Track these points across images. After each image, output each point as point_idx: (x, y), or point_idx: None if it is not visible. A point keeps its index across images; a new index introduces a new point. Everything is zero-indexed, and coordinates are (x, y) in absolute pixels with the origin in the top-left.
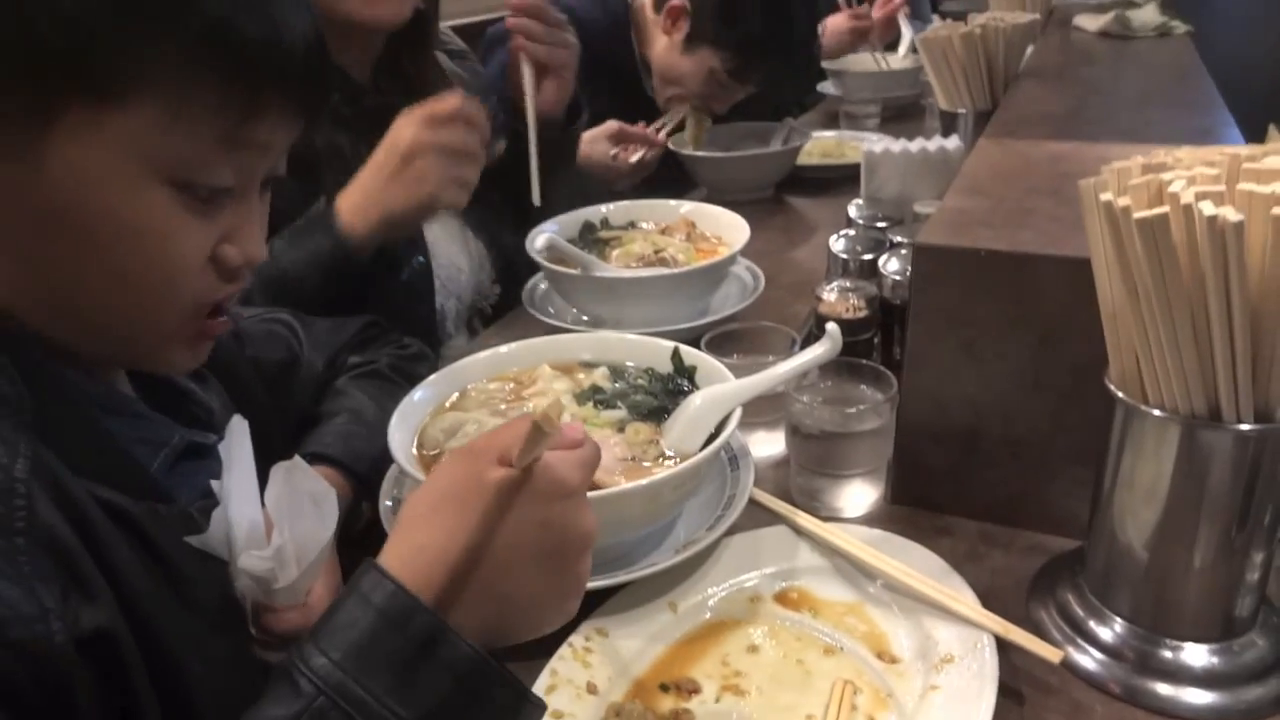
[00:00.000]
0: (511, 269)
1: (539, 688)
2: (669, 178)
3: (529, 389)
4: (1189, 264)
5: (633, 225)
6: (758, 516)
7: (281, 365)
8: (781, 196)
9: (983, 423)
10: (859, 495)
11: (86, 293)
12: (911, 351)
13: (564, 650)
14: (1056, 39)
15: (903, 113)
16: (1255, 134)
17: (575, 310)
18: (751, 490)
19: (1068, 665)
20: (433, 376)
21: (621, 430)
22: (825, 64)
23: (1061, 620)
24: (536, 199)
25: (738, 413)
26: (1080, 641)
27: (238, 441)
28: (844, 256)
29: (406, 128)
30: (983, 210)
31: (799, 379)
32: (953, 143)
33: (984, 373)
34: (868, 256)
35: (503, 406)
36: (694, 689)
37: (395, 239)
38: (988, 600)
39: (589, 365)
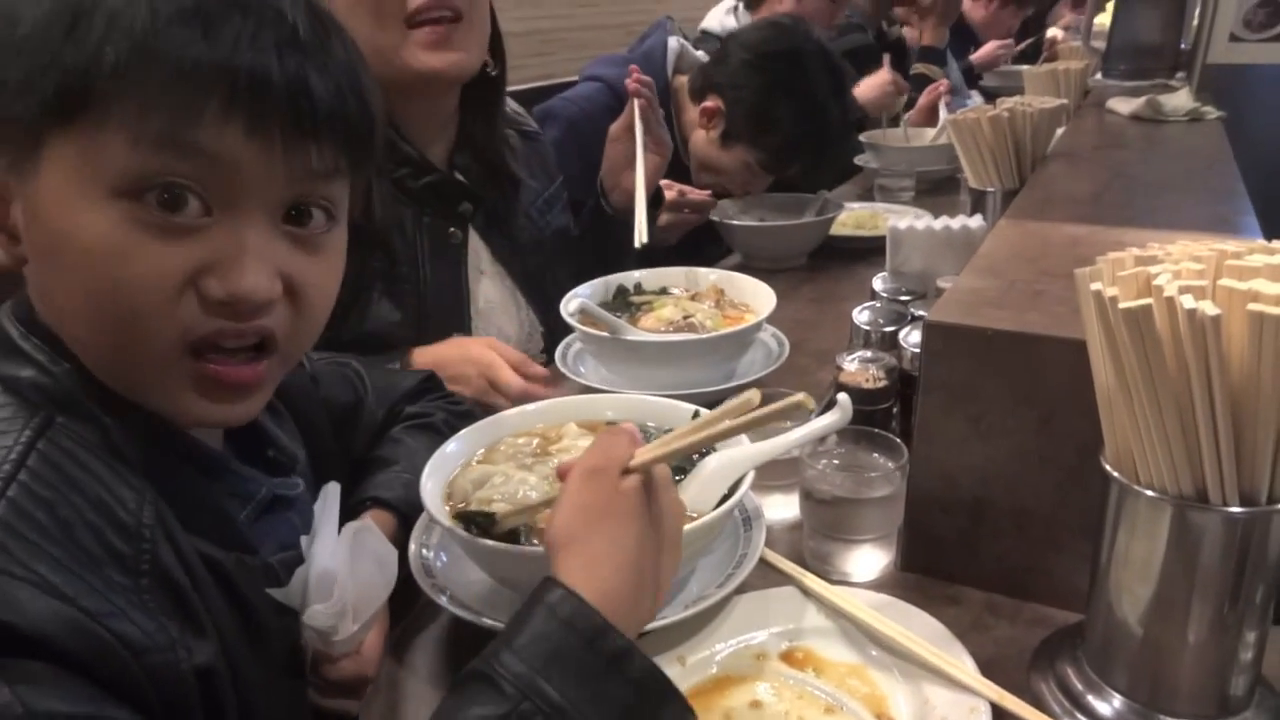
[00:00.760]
0: (559, 337)
1: None
2: (708, 239)
3: (555, 444)
4: (1173, 353)
5: (664, 291)
6: (768, 576)
7: (347, 408)
8: (814, 264)
9: (990, 495)
10: (869, 560)
11: (79, 321)
12: (921, 423)
13: None
14: (1090, 121)
15: (937, 187)
16: (1277, 221)
17: (605, 371)
18: (763, 551)
19: None
20: (464, 430)
21: None
22: (863, 137)
23: (1060, 693)
24: (641, 238)
25: (751, 475)
26: (1078, 715)
27: (330, 505)
28: (866, 328)
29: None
30: (994, 290)
31: (814, 445)
32: (976, 221)
33: (991, 447)
34: (889, 328)
35: (529, 460)
36: None
37: None
38: (990, 670)
39: (613, 424)
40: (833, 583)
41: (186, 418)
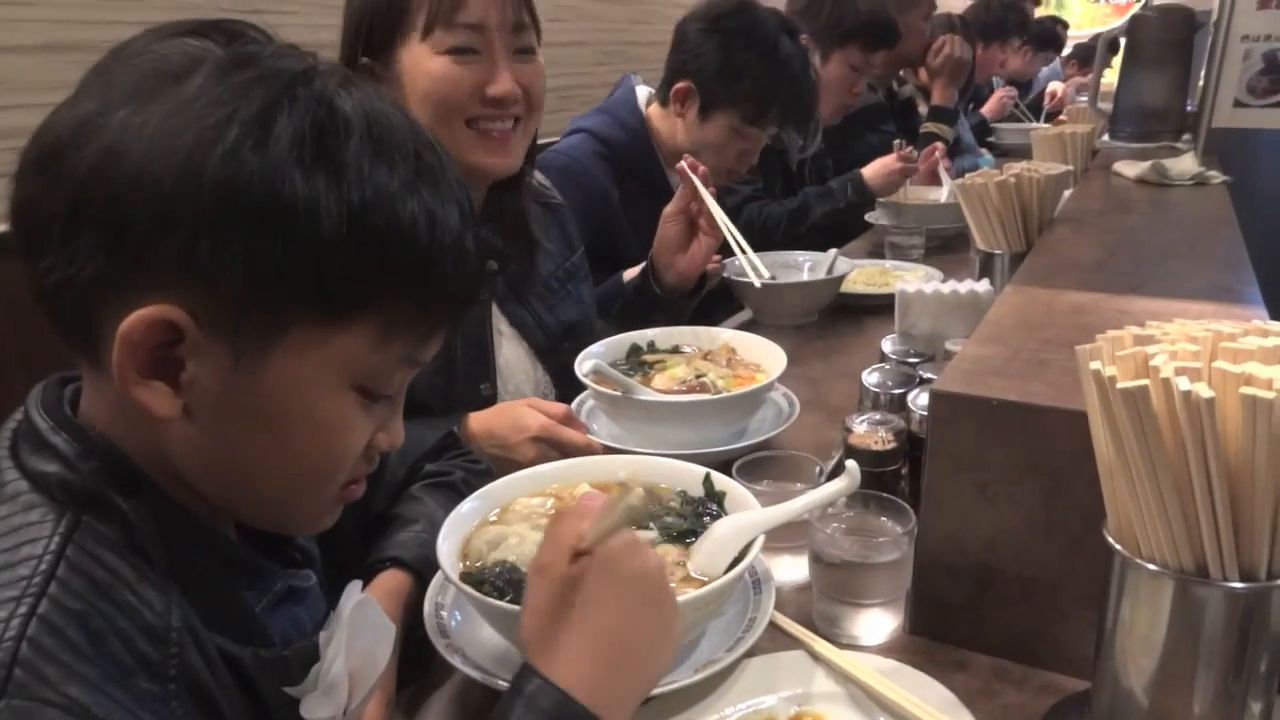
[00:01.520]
0: (572, 395)
1: None
2: (718, 300)
3: (568, 505)
4: (1170, 432)
5: (677, 350)
6: (777, 640)
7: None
8: (824, 321)
9: (997, 561)
10: (878, 624)
11: (266, 475)
12: (928, 490)
13: None
14: (1096, 184)
15: (947, 244)
16: None
17: (617, 429)
18: (772, 614)
19: None
20: (479, 490)
21: None
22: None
23: None
24: (760, 275)
25: (760, 540)
26: None
27: (348, 605)
28: (875, 390)
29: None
30: (999, 359)
31: (823, 509)
32: (983, 286)
33: (997, 514)
34: (898, 390)
35: (542, 521)
36: None
37: None
38: None
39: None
40: (841, 646)
41: (310, 531)
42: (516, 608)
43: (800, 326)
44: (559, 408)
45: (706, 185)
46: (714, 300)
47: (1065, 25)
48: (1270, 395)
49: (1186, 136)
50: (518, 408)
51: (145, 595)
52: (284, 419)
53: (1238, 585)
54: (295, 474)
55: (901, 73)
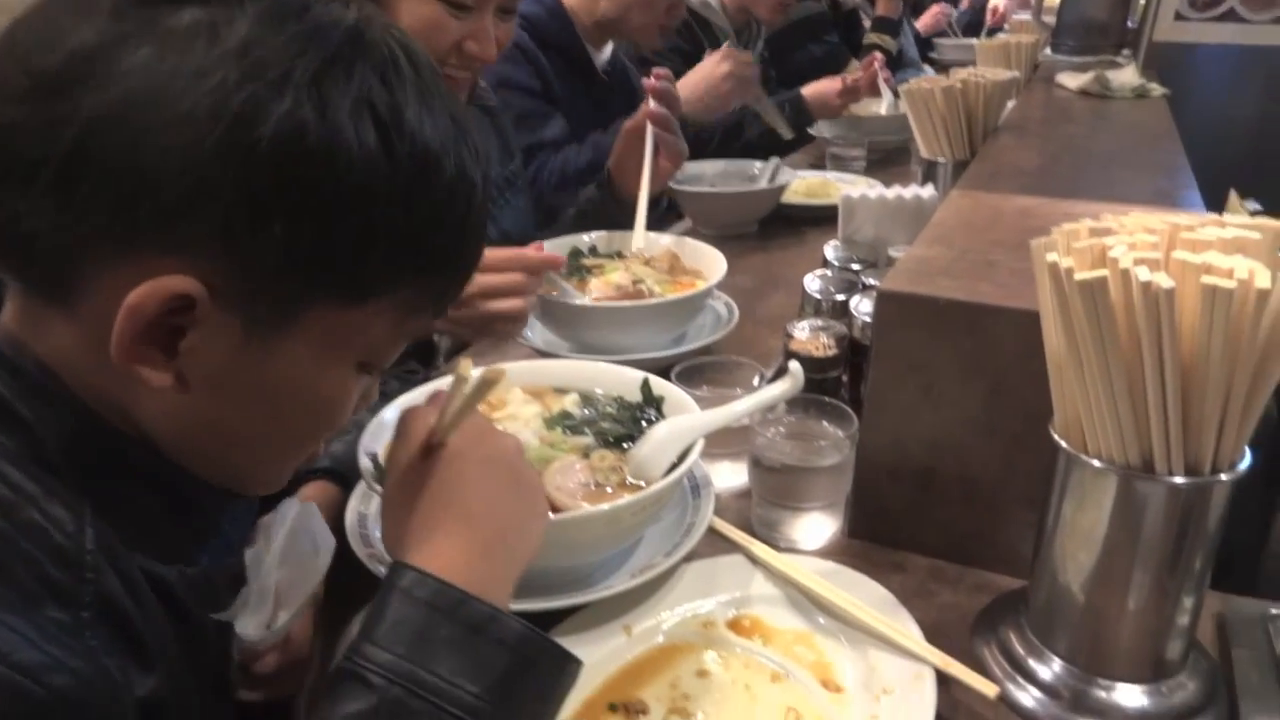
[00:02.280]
0: None
1: None
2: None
3: (499, 411)
4: (1126, 325)
5: (619, 255)
6: (716, 545)
7: None
8: (765, 232)
9: (938, 463)
10: (817, 528)
11: (248, 444)
12: (872, 392)
13: None
14: (1038, 94)
15: (888, 157)
16: (1220, 196)
17: (552, 335)
18: (711, 519)
19: (1006, 701)
20: (403, 397)
21: (586, 456)
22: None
23: (1002, 657)
24: (638, 243)
25: (699, 444)
26: (1019, 679)
27: (289, 514)
28: (817, 296)
29: None
30: (946, 260)
31: (763, 413)
32: (928, 191)
33: (940, 416)
34: (840, 297)
35: None
36: (642, 710)
37: None
38: (934, 635)
39: (560, 390)
40: (780, 550)
41: (273, 490)
42: None
43: (740, 236)
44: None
45: (672, 102)
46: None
47: None
48: (1230, 284)
49: (1127, 51)
50: None
51: (54, 514)
52: (285, 395)
53: (1179, 480)
54: (280, 444)
55: None
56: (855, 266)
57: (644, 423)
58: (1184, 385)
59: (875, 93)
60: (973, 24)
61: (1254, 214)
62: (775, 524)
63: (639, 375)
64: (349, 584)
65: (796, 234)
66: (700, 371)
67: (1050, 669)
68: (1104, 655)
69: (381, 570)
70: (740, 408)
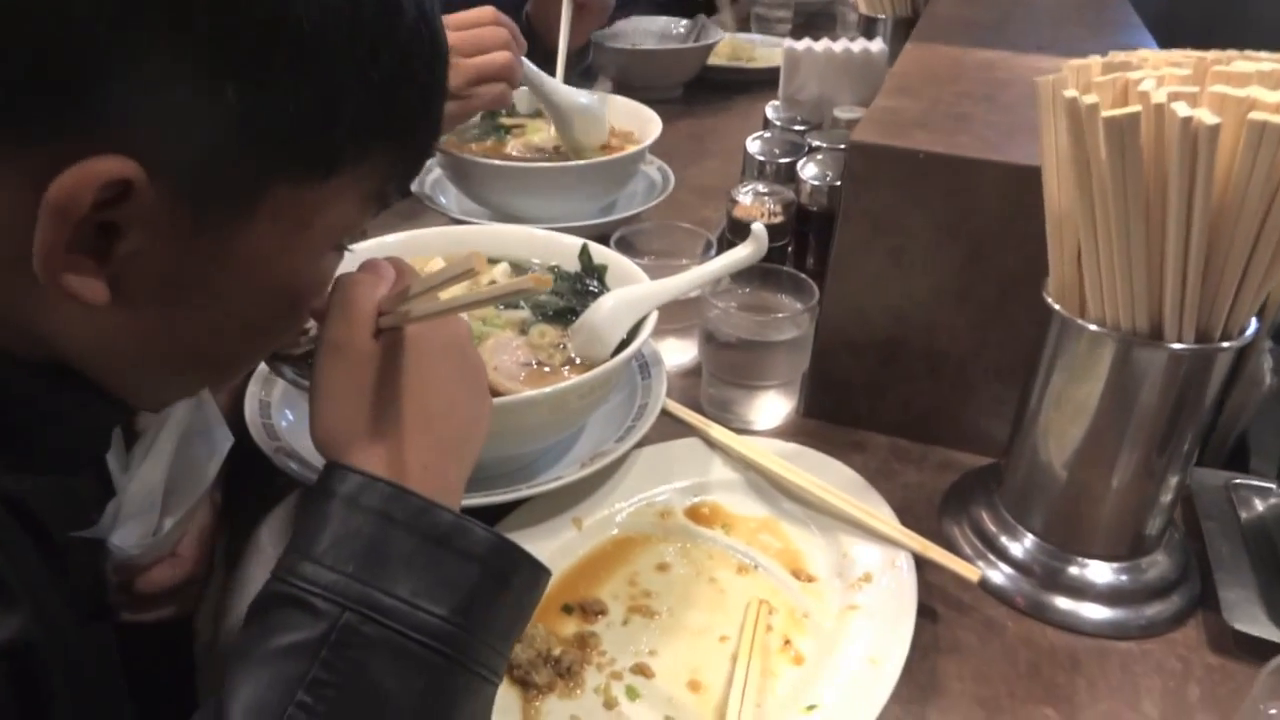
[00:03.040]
0: None
1: None
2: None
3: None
4: (1153, 169)
5: (540, 114)
6: (666, 428)
7: None
8: (690, 97)
9: (904, 335)
10: (772, 408)
11: (200, 356)
12: (837, 257)
13: None
14: None
15: (813, 20)
16: None
17: (469, 202)
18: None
19: (981, 582)
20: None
21: (524, 332)
22: None
23: (974, 536)
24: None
25: (653, 317)
26: (991, 556)
27: (162, 415)
28: (760, 158)
29: None
30: (917, 111)
31: (714, 284)
32: (876, 45)
33: (909, 284)
34: (785, 160)
35: None
36: (600, 610)
37: None
38: (901, 516)
39: (489, 260)
40: (734, 431)
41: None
42: None
43: (665, 100)
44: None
45: None
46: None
47: None
48: (1279, 120)
49: None
50: None
51: None
52: (247, 295)
53: (1181, 347)
54: (237, 352)
55: None
56: (799, 127)
57: (586, 295)
58: (1210, 239)
59: None
60: None
61: None
62: (728, 403)
63: (576, 242)
64: (251, 484)
65: (723, 99)
66: (640, 240)
67: (1023, 546)
68: (1082, 533)
69: (294, 467)
70: (700, 273)
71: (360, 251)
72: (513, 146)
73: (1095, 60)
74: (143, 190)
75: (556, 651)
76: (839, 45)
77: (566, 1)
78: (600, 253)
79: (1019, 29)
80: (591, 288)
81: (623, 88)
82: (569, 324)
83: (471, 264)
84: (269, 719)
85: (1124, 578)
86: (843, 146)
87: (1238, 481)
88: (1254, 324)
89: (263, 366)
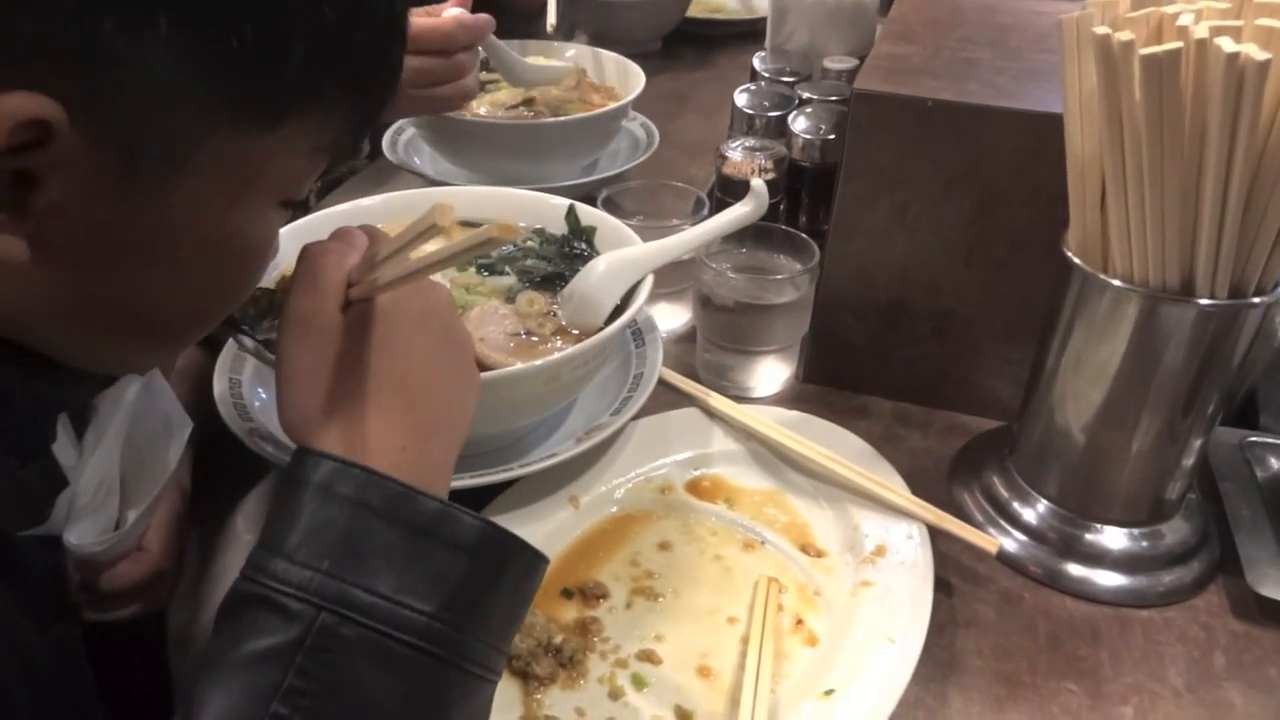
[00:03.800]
0: None
1: None
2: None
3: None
4: (1193, 109)
5: None
6: (663, 398)
7: None
8: (669, 51)
9: (909, 295)
10: (771, 373)
11: (139, 322)
12: (838, 214)
13: None
14: None
15: None
16: None
17: (445, 163)
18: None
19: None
20: (286, 228)
21: (511, 300)
22: None
23: (986, 502)
24: None
25: (649, 281)
26: (1003, 523)
27: (128, 391)
28: (749, 112)
29: None
30: (921, 58)
31: (707, 245)
32: None
33: (915, 241)
34: (775, 113)
35: None
36: (601, 594)
37: None
38: (908, 483)
39: (468, 224)
40: (731, 399)
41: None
42: None
43: (644, 55)
44: None
45: None
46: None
47: None
48: None
49: None
50: None
51: None
52: (185, 255)
53: (1210, 302)
54: (182, 319)
55: None
56: (788, 79)
57: (575, 258)
58: (1251, 186)
59: None
60: None
61: None
62: (725, 370)
63: (563, 203)
64: (224, 468)
65: (703, 54)
66: (628, 201)
67: (1036, 512)
68: (1099, 498)
69: (270, 451)
70: (697, 233)
71: (333, 216)
72: (481, 104)
73: None
74: (63, 134)
75: (557, 640)
76: None
77: None
78: (588, 214)
79: None
80: (580, 251)
81: (600, 41)
82: (558, 290)
83: (435, 218)
84: None
85: (1143, 544)
86: (834, 98)
87: (1252, 440)
88: None
89: (230, 345)
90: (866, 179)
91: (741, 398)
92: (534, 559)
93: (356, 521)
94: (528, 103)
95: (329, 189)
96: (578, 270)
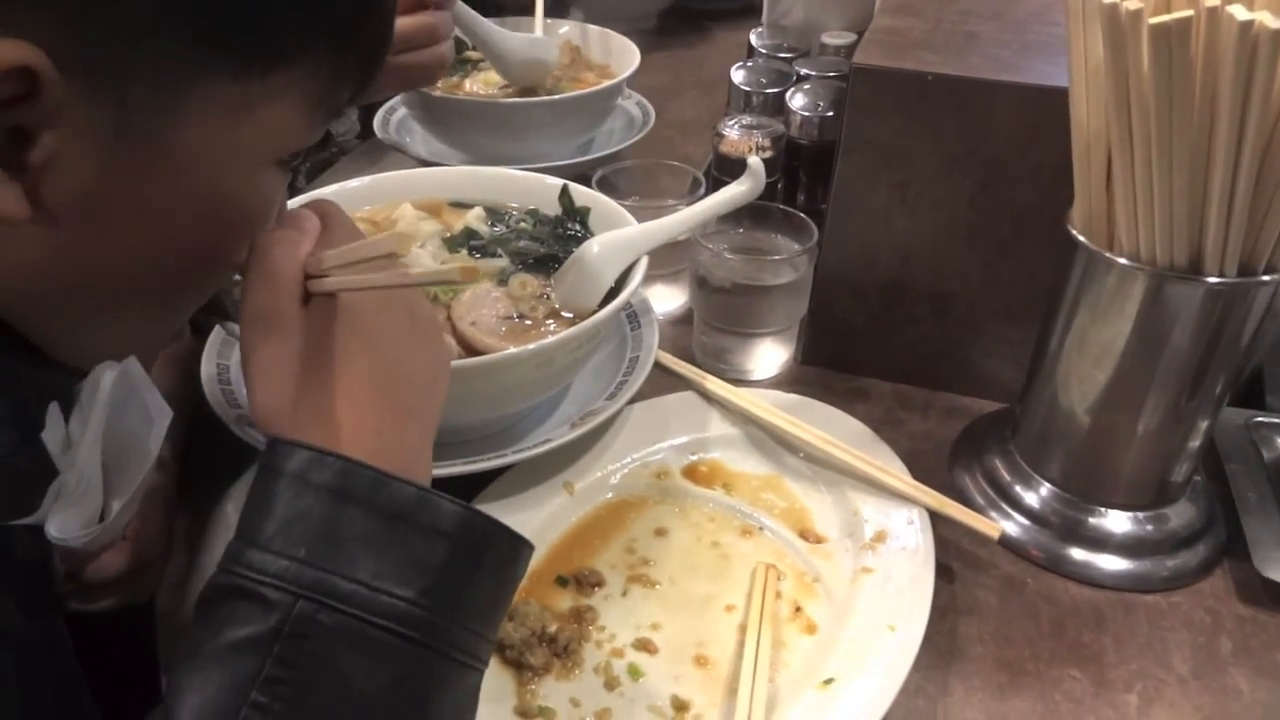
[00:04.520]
0: None
1: None
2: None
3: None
4: (1203, 80)
5: None
6: (658, 382)
7: None
8: (664, 27)
9: (909, 275)
10: (769, 356)
11: (139, 277)
12: (837, 193)
13: None
14: None
15: None
16: None
17: (436, 143)
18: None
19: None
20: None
21: (504, 283)
22: None
23: (987, 485)
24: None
25: (644, 263)
26: (1005, 507)
27: (104, 379)
28: (746, 89)
29: None
30: (921, 31)
31: (703, 225)
32: None
33: (916, 220)
34: (773, 90)
35: None
36: (597, 581)
37: None
38: (908, 467)
39: (460, 205)
40: (729, 382)
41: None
42: None
43: (640, 31)
44: None
45: None
46: None
47: None
48: None
49: None
50: None
51: None
52: (186, 211)
53: (1218, 281)
54: (176, 284)
55: None
56: (786, 55)
57: (569, 240)
58: (1263, 158)
59: None
60: None
61: None
62: (722, 352)
63: (556, 183)
64: (213, 456)
65: (699, 30)
66: (623, 181)
67: (1039, 495)
68: (1103, 481)
69: (257, 437)
70: (693, 213)
71: (323, 196)
72: (472, 83)
73: None
74: (51, 84)
75: (552, 629)
76: None
77: None
78: (582, 194)
79: None
80: (574, 232)
81: (594, 17)
82: (551, 272)
83: (393, 247)
84: None
85: (1148, 527)
86: (833, 74)
87: (1259, 420)
88: None
89: (217, 332)
90: (866, 156)
91: (739, 381)
92: (516, 544)
93: (333, 509)
94: None
95: (319, 170)
96: (571, 252)
